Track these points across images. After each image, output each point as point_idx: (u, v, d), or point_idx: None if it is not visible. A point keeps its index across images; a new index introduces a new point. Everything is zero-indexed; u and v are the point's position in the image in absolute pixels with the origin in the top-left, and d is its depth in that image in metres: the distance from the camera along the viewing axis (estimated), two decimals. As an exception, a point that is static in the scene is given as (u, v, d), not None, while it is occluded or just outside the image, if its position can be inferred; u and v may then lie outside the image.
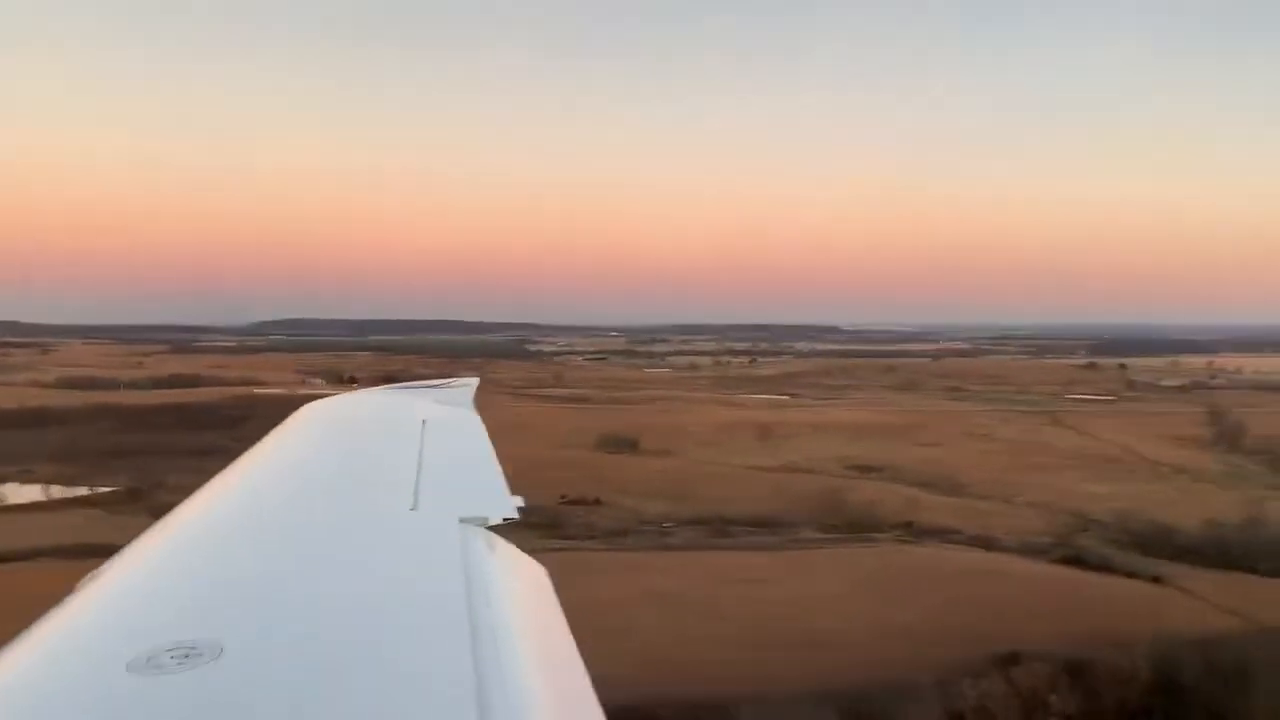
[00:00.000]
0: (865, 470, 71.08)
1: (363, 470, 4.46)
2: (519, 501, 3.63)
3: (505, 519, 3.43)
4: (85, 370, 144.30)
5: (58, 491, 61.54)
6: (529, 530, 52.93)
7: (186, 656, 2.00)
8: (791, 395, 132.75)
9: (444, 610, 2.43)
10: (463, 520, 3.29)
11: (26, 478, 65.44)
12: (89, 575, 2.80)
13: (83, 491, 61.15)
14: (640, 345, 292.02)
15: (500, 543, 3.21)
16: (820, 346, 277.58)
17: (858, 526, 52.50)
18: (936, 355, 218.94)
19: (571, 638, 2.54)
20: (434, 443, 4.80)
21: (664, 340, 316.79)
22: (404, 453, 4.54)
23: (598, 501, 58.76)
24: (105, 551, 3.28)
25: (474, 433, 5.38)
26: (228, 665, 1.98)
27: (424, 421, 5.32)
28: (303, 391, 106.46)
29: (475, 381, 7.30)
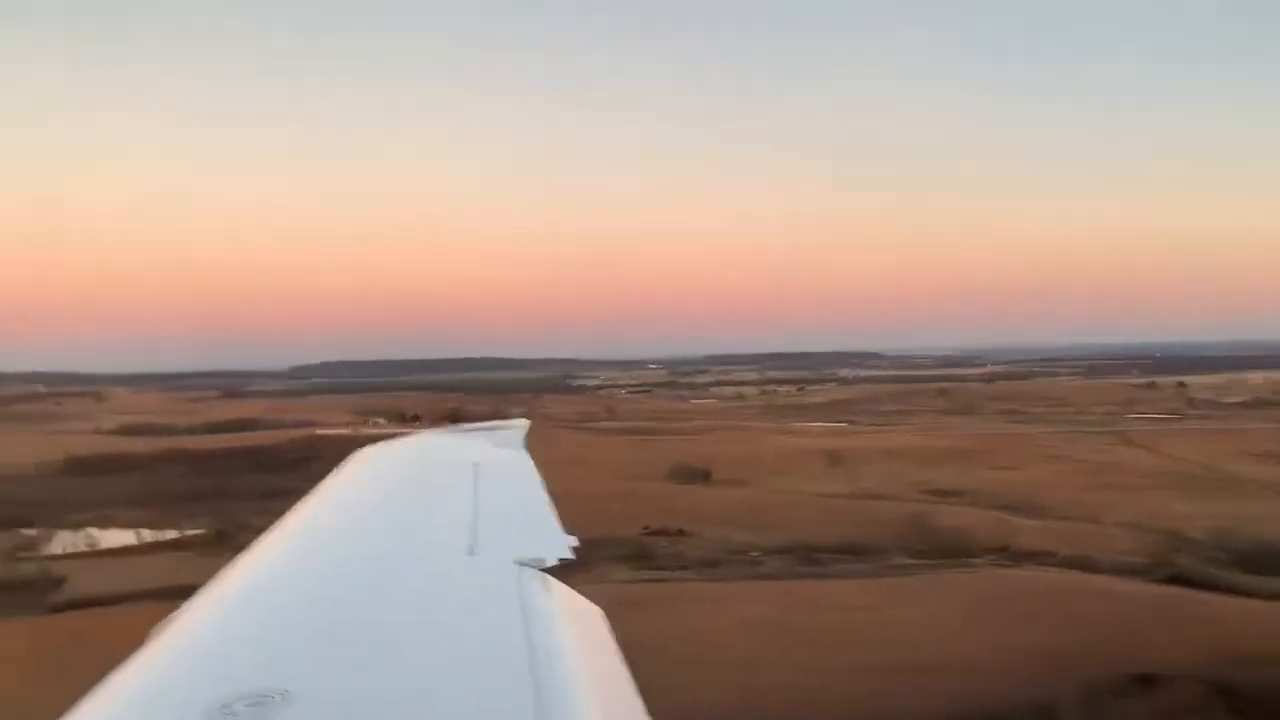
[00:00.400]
0: (943, 495, 70.35)
1: (419, 515, 4.54)
2: (573, 541, 3.67)
3: (562, 559, 3.48)
4: (143, 417, 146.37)
5: (147, 535, 62.39)
6: (619, 562, 52.89)
7: (259, 704, 2.06)
8: (848, 422, 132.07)
9: (504, 654, 2.48)
10: (519, 563, 3.34)
11: (114, 522, 66.41)
12: (160, 623, 2.86)
13: (171, 535, 61.90)
14: (681, 377, 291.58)
15: (556, 584, 3.25)
16: (864, 373, 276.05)
17: (949, 551, 51.75)
18: (989, 379, 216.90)
19: (630, 680, 2.55)
20: (488, 485, 4.85)
21: (703, 371, 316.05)
22: (459, 496, 4.60)
23: (681, 532, 58.52)
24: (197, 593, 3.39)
25: (527, 474, 5.37)
26: (297, 713, 2.04)
27: (477, 464, 5.38)
28: (367, 431, 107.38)
29: (526, 423, 7.28)
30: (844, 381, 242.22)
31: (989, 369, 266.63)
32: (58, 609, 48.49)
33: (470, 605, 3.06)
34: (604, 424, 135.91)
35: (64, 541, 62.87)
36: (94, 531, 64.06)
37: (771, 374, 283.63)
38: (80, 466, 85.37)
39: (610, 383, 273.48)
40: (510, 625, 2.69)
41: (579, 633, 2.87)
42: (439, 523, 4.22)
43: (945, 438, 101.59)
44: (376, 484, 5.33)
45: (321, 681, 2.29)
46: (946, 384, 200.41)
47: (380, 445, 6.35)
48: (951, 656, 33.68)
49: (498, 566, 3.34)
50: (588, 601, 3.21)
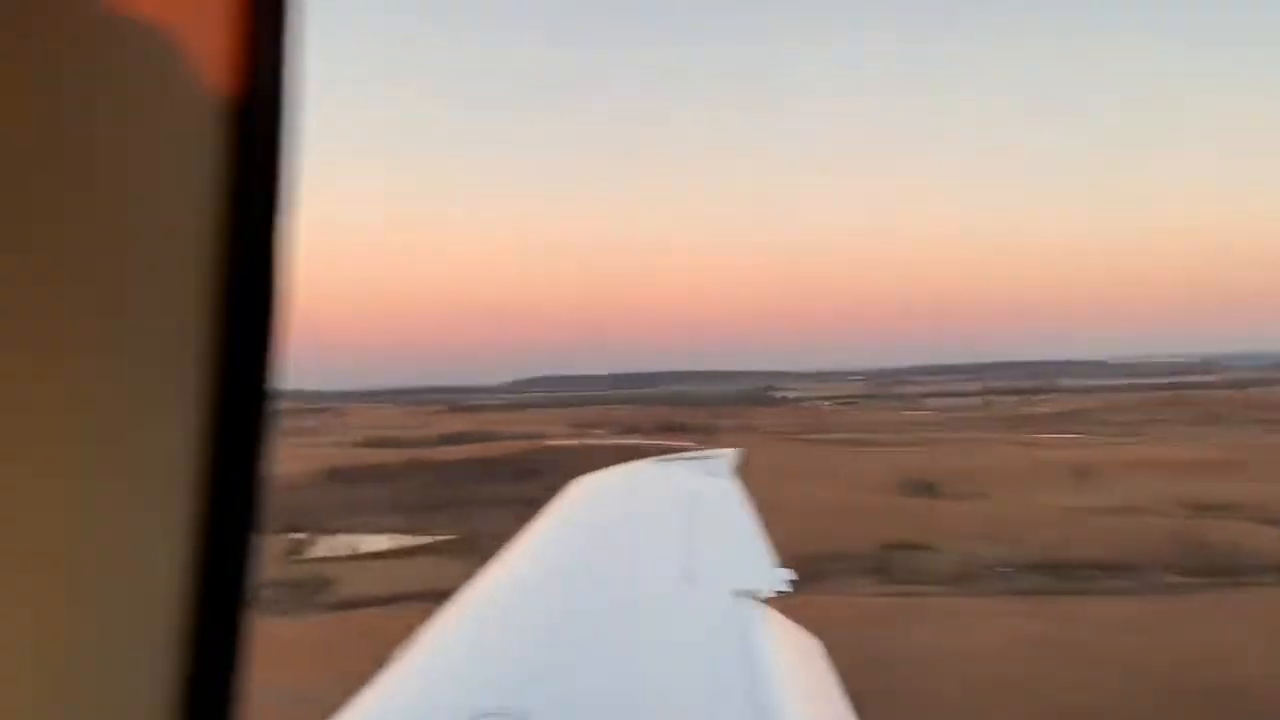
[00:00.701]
0: (1209, 509, 65.20)
1: (638, 543, 4.58)
2: (789, 574, 3.64)
3: (778, 591, 3.43)
4: (382, 431, 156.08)
5: (401, 541, 66.63)
6: (861, 575, 52.15)
7: None
8: (1082, 433, 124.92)
9: (725, 685, 2.51)
10: (735, 593, 3.36)
11: (370, 528, 71.25)
12: (402, 644, 2.96)
13: (424, 540, 65.83)
14: (888, 388, 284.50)
15: (773, 614, 3.24)
16: (1092, 382, 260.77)
17: (1226, 569, 48.04)
18: (1241, 385, 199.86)
19: (849, 710, 2.56)
20: (701, 516, 4.89)
21: (910, 382, 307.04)
22: (674, 526, 4.66)
23: (921, 546, 56.99)
24: (453, 595, 3.49)
25: (738, 505, 5.37)
26: None
27: (690, 494, 5.45)
28: (589, 442, 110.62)
29: (734, 453, 7.29)
30: (1069, 391, 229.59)
31: (1225, 375, 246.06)
32: (332, 608, 52.47)
33: (691, 635, 3.11)
34: (817, 436, 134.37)
35: (329, 545, 67.92)
36: (354, 537, 68.84)
37: (987, 384, 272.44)
38: (337, 476, 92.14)
39: (812, 395, 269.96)
40: (731, 656, 2.72)
41: (798, 664, 2.89)
42: (657, 551, 4.31)
43: (1198, 448, 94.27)
44: (596, 512, 5.52)
45: (558, 706, 2.39)
46: (1184, 391, 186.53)
47: (598, 474, 6.56)
48: (1270, 683, 30.95)
49: (715, 596, 3.39)
50: (805, 632, 3.22)
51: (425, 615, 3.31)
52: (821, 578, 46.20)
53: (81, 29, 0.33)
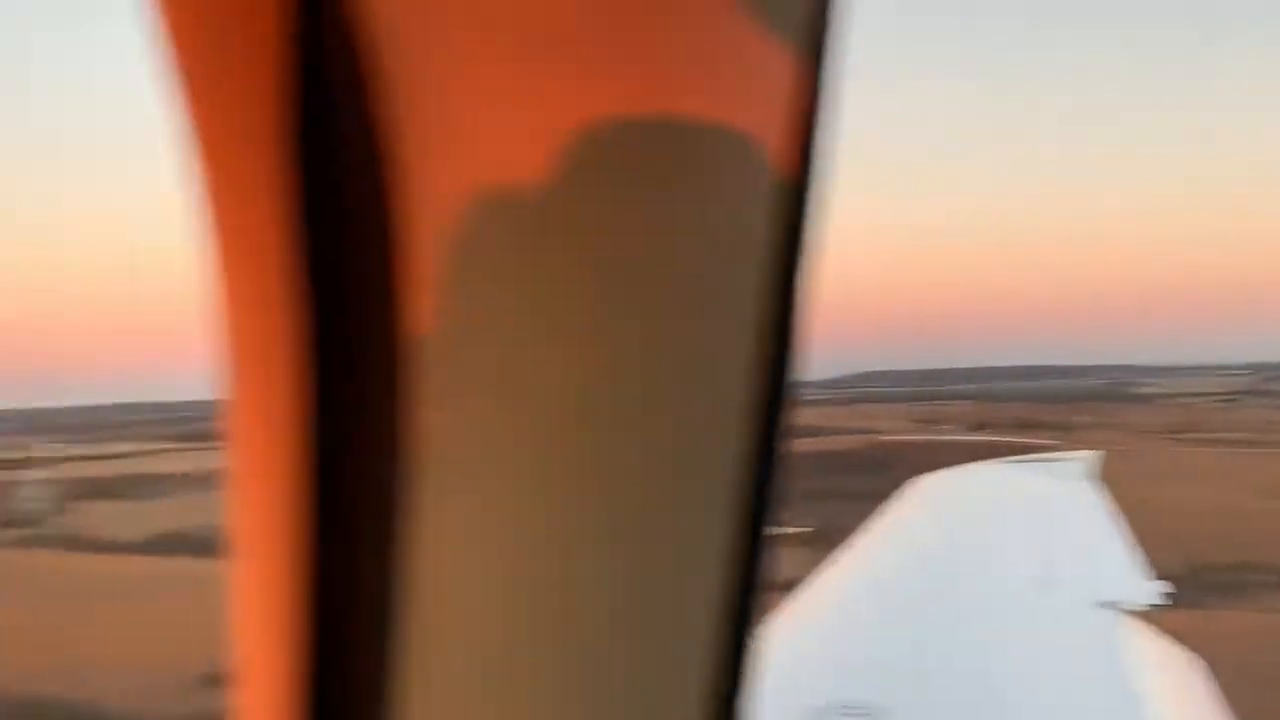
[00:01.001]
0: None
1: (987, 548, 4.51)
2: (1163, 586, 3.47)
3: (1151, 605, 3.31)
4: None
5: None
6: (1271, 590, 46.11)
7: (862, 717, 2.19)
8: None
9: (1086, 692, 2.50)
10: (1098, 604, 3.25)
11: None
12: (773, 617, 3.05)
13: (779, 530, 67.04)
14: (1275, 383, 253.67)
15: (1143, 629, 3.08)
16: None
17: None
18: None
19: None
20: (1057, 522, 4.82)
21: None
22: (1026, 532, 4.55)
23: (1358, 560, 49.49)
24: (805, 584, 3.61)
25: (1097, 511, 5.23)
26: None
27: (1043, 499, 5.48)
28: (930, 438, 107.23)
29: (1091, 455, 6.95)
30: None
31: None
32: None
33: (1049, 643, 3.00)
34: (1195, 435, 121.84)
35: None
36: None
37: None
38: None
39: (1183, 391, 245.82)
40: (1092, 667, 2.64)
41: (1171, 681, 2.77)
42: (1008, 558, 4.25)
43: None
44: (941, 515, 5.53)
45: (917, 703, 2.37)
46: None
47: (942, 473, 6.67)
48: None
49: (1075, 605, 3.29)
50: (1181, 649, 3.05)
51: (779, 603, 3.40)
52: (1226, 590, 41.59)
53: (684, 140, 0.43)
